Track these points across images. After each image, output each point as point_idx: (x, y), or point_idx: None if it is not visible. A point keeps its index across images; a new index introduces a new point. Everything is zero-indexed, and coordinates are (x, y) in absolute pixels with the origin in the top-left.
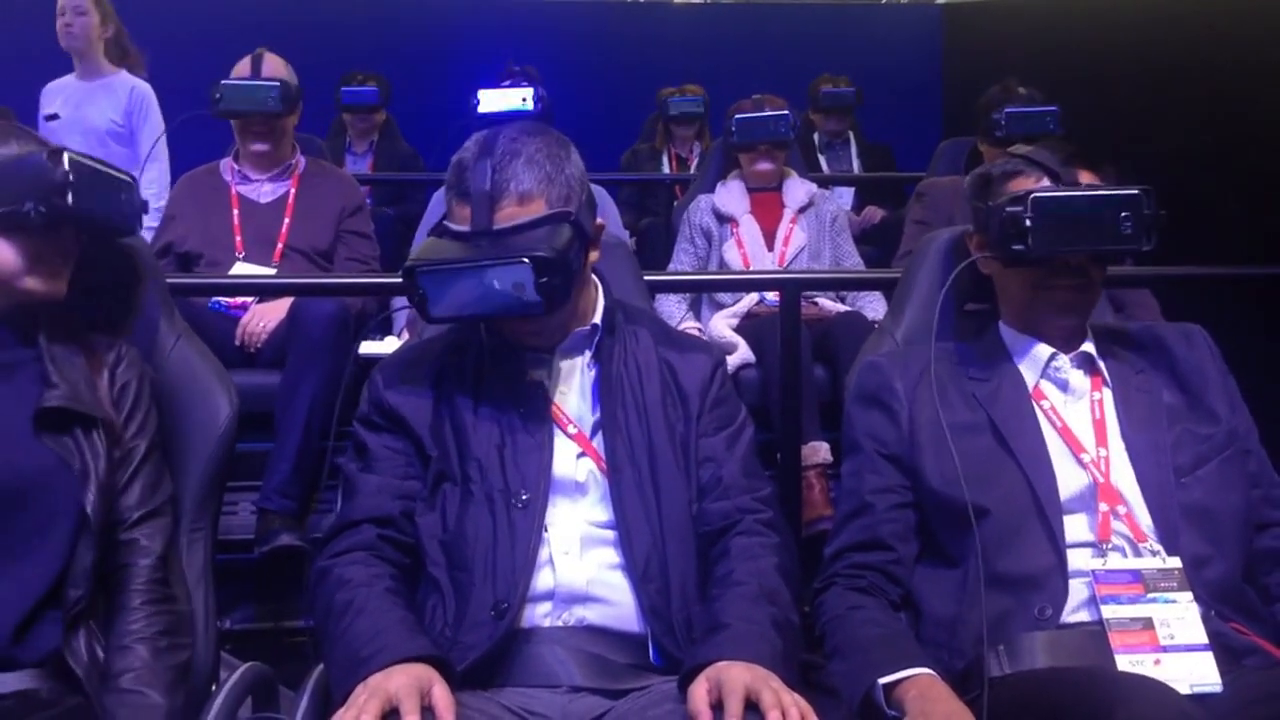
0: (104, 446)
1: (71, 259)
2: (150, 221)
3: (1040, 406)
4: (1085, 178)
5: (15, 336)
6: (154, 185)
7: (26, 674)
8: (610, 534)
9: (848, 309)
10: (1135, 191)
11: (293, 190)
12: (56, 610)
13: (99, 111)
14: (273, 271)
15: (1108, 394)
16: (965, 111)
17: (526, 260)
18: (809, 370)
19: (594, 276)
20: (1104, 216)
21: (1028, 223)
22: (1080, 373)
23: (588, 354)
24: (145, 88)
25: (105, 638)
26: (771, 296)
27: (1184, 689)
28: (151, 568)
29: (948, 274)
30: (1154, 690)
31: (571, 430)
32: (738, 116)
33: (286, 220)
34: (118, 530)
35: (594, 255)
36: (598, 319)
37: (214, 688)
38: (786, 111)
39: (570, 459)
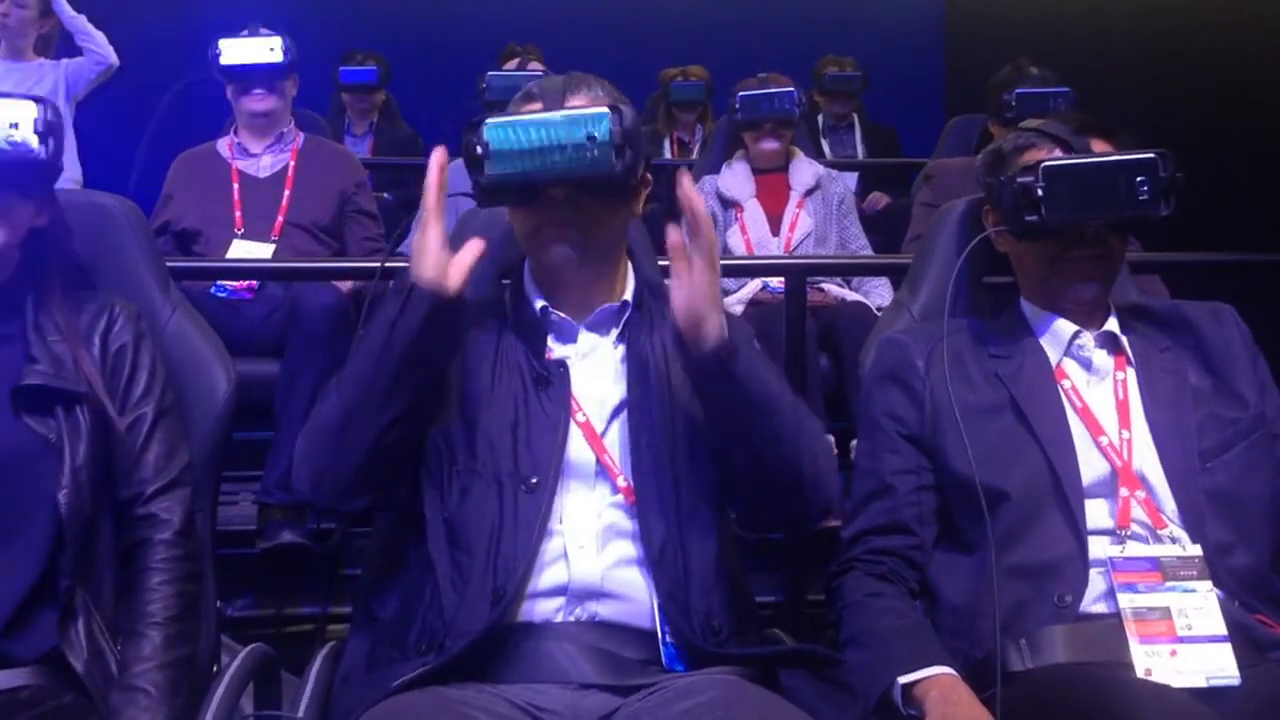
0: (87, 425)
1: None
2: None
3: (1062, 386)
4: (1099, 146)
5: (4, 311)
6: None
7: (20, 672)
8: (627, 522)
9: (854, 296)
10: (1151, 155)
11: (292, 163)
12: (51, 607)
13: (44, 92)
14: (271, 249)
15: (1131, 374)
16: (967, 94)
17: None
18: (814, 359)
19: (625, 256)
20: (1119, 183)
21: (1040, 193)
22: (1104, 352)
23: (614, 331)
24: (67, 61)
25: (116, 617)
26: (776, 284)
27: (1200, 681)
28: (169, 544)
29: (965, 246)
30: (1172, 699)
31: (581, 418)
32: (742, 94)
33: (287, 193)
34: (134, 505)
35: (636, 209)
36: (628, 296)
37: (215, 669)
38: (792, 89)
39: (584, 444)
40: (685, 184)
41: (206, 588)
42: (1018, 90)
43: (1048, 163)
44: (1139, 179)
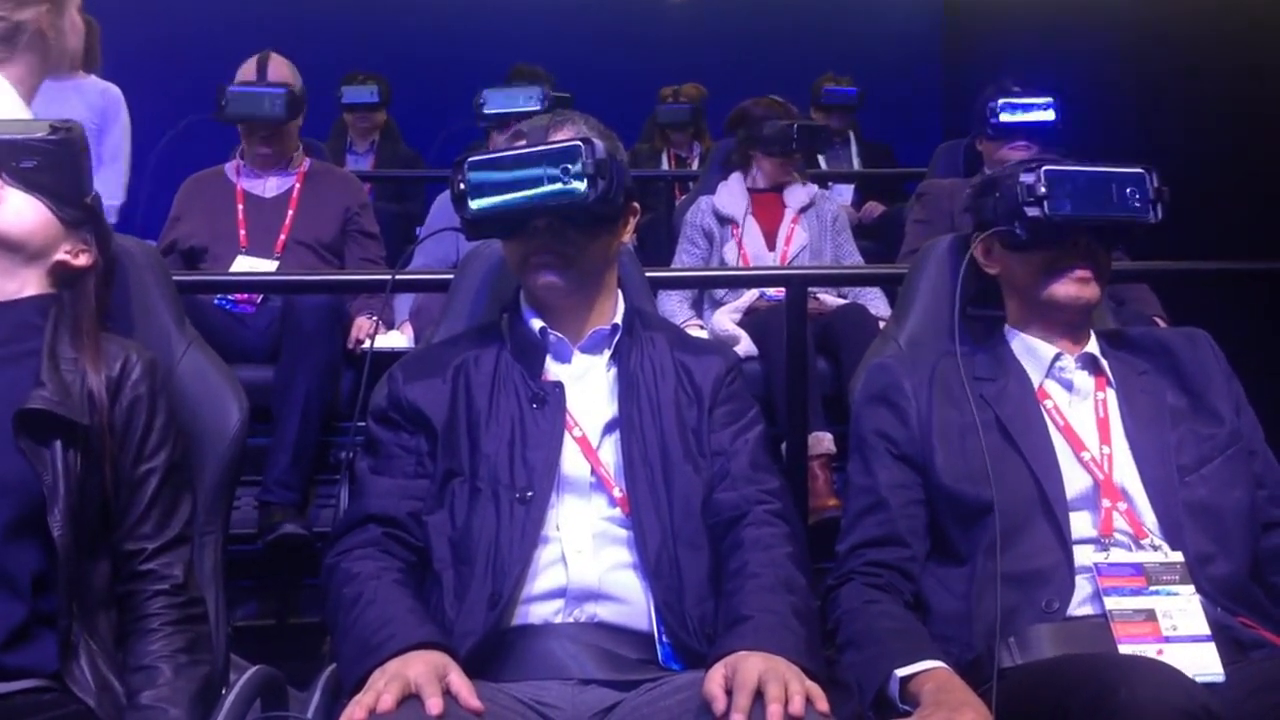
0: (81, 465)
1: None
2: (111, 220)
3: (1044, 406)
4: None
5: (27, 328)
6: (110, 184)
7: (24, 684)
8: (623, 532)
9: (848, 303)
10: (1139, 170)
11: (297, 185)
12: (50, 629)
13: (74, 110)
14: (274, 265)
15: (1111, 394)
16: (965, 107)
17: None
18: (812, 363)
19: (615, 283)
20: (1112, 190)
21: (1043, 190)
22: (1085, 373)
23: (606, 353)
24: (116, 90)
25: (119, 658)
26: (772, 291)
27: None
28: (169, 593)
29: (949, 278)
30: (1157, 669)
31: (578, 433)
32: (786, 124)
33: (290, 213)
34: (135, 560)
35: (626, 235)
36: (618, 320)
37: (224, 690)
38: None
39: (580, 458)
40: (712, 690)
41: (217, 609)
42: (1001, 99)
43: (1049, 165)
44: (1129, 188)
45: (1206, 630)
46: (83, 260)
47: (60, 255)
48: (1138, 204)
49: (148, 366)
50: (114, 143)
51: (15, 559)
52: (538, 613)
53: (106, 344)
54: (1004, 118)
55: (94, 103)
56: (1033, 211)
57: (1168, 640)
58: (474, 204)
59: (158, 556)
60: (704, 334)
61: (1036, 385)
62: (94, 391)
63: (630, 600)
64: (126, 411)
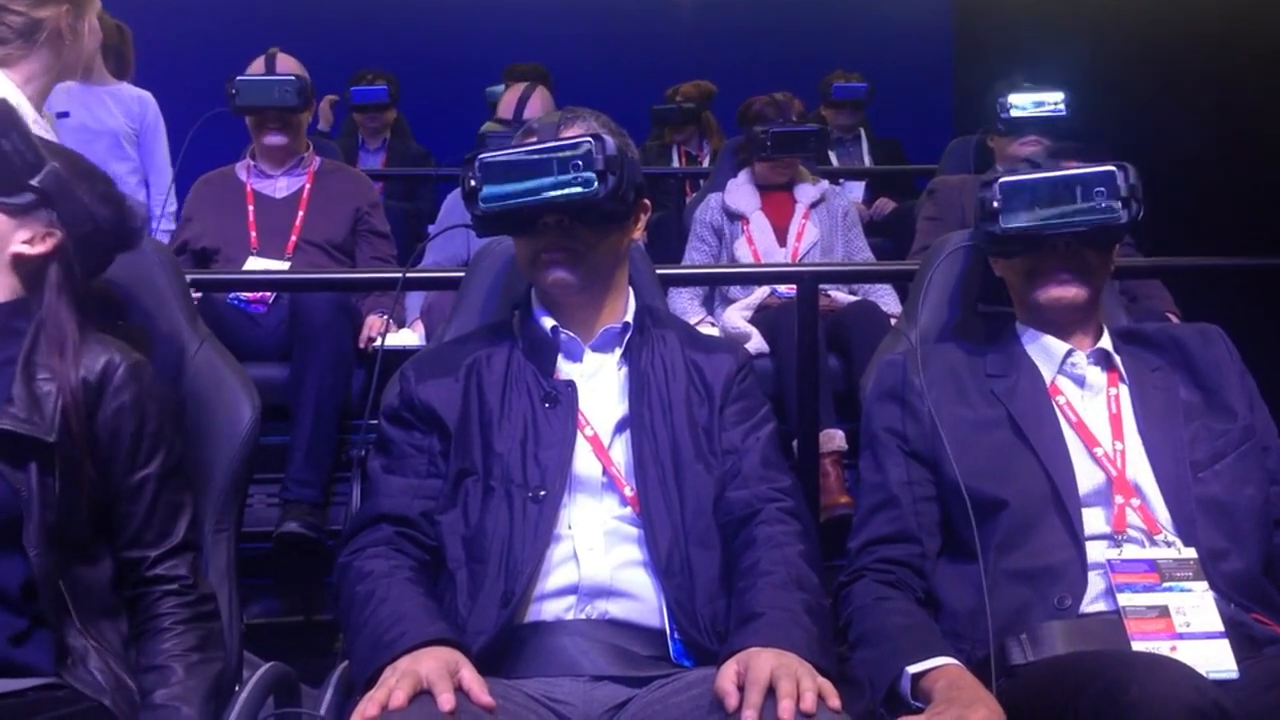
0: (60, 481)
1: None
2: (167, 226)
3: (1056, 402)
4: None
5: (5, 334)
6: (162, 193)
7: (36, 681)
8: (634, 530)
9: (859, 299)
10: (1108, 169)
11: (308, 185)
12: (51, 634)
13: (111, 115)
14: (285, 265)
15: (1124, 390)
16: (976, 103)
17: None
18: (823, 360)
19: (626, 281)
20: (1075, 194)
21: (995, 205)
22: (1097, 369)
23: (618, 351)
24: (151, 98)
25: (131, 658)
26: (783, 288)
27: None
28: (178, 593)
29: (959, 275)
30: (1168, 666)
31: (589, 432)
32: (774, 130)
33: (301, 213)
34: (139, 568)
35: (637, 233)
36: (629, 318)
37: (237, 688)
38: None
39: (591, 458)
40: (725, 686)
41: (230, 606)
42: (1011, 94)
43: (1004, 178)
44: (1097, 189)
45: (1220, 627)
46: (44, 246)
47: (15, 248)
48: (1104, 205)
49: (131, 371)
50: (160, 151)
51: (3, 571)
52: (550, 610)
53: (89, 347)
54: (1015, 113)
55: (131, 109)
56: (989, 226)
57: (1181, 637)
58: (485, 201)
59: (162, 562)
60: (715, 332)
61: (1048, 381)
62: (70, 403)
63: (642, 597)
64: (111, 420)
